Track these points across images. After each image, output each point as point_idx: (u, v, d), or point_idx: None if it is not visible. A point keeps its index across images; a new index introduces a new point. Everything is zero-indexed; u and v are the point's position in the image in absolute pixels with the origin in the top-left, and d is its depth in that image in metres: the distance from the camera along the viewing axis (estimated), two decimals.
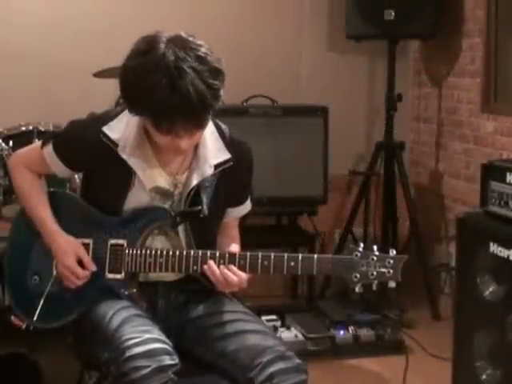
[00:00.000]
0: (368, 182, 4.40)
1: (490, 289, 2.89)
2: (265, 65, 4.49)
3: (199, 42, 2.02)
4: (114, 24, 4.24)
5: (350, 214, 4.44)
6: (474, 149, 4.17)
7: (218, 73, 2.00)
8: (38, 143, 2.34)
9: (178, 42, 1.99)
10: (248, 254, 2.13)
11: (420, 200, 4.66)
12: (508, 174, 2.82)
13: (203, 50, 2.00)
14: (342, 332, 3.72)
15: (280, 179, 4.08)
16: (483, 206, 2.95)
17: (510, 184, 2.82)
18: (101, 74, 3.69)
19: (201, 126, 2.05)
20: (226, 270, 2.10)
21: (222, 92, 2.01)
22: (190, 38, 2.02)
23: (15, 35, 4.13)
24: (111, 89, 3.63)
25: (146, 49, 1.99)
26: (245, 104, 4.21)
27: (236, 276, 2.10)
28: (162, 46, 1.98)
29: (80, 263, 2.22)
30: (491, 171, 2.93)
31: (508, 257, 2.74)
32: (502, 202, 2.85)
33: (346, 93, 4.67)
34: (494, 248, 2.81)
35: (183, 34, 2.03)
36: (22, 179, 2.34)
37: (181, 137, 2.03)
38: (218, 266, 2.11)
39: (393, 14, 4.17)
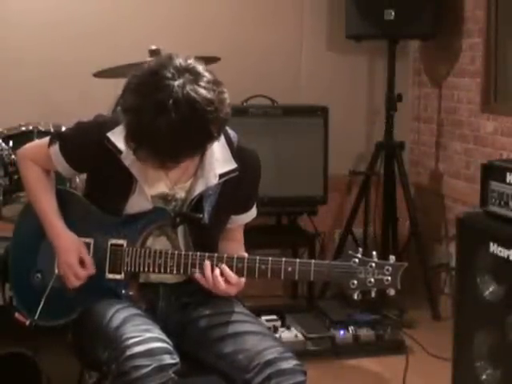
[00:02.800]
0: (368, 182, 4.40)
1: (490, 289, 2.89)
2: (265, 65, 4.49)
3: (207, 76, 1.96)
4: (113, 24, 4.24)
5: (350, 214, 4.44)
6: (473, 149, 4.17)
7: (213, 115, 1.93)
8: (45, 140, 2.34)
9: (188, 74, 1.93)
10: (246, 257, 2.13)
11: (420, 200, 4.66)
12: (508, 173, 2.82)
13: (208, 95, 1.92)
14: (342, 332, 3.72)
15: (280, 179, 4.08)
16: (483, 206, 2.95)
17: (510, 184, 2.82)
18: (101, 74, 3.68)
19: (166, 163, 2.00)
20: (219, 278, 2.10)
21: (215, 137, 1.98)
22: (207, 75, 1.95)
23: (15, 36, 4.13)
24: (111, 89, 3.63)
25: (152, 70, 1.94)
26: (245, 104, 4.21)
27: (228, 283, 2.10)
28: (169, 74, 1.92)
29: (81, 263, 2.22)
30: (491, 171, 2.92)
31: (508, 257, 2.74)
32: (502, 202, 2.85)
33: (346, 93, 4.67)
34: (494, 248, 2.81)
35: (196, 66, 1.96)
36: (29, 172, 2.35)
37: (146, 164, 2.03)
38: (214, 269, 2.11)
39: (393, 13, 4.17)
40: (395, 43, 4.35)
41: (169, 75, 1.92)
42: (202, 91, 1.93)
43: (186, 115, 1.90)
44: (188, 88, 1.91)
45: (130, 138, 1.97)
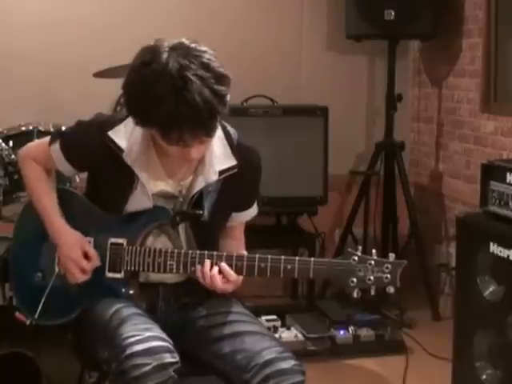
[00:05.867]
0: (368, 182, 4.40)
1: (490, 289, 2.89)
2: (265, 65, 4.49)
3: (202, 48, 2.00)
4: (113, 24, 4.24)
5: (350, 214, 4.44)
6: (473, 149, 4.17)
7: (223, 78, 1.98)
8: (46, 139, 2.34)
9: (180, 49, 1.97)
10: (245, 255, 2.13)
11: (420, 200, 4.67)
12: (508, 173, 2.82)
13: (207, 56, 1.98)
14: (341, 332, 3.72)
15: (280, 179, 4.08)
16: (483, 205, 2.95)
17: (510, 184, 2.82)
18: (101, 74, 3.69)
19: (209, 133, 2.03)
20: (216, 277, 2.11)
21: (228, 97, 2.00)
22: (193, 45, 2.00)
23: (15, 36, 4.12)
24: (111, 89, 3.63)
25: (148, 60, 1.97)
26: (245, 104, 4.21)
27: (226, 280, 2.11)
28: (165, 55, 1.96)
29: (85, 257, 2.22)
30: (491, 171, 2.93)
31: (508, 257, 2.74)
32: (502, 202, 2.85)
33: (346, 93, 4.67)
34: (494, 248, 2.81)
35: (185, 41, 2.01)
36: (30, 171, 2.35)
37: (190, 146, 2.02)
38: (213, 266, 2.11)
39: (393, 13, 4.17)
40: (395, 43, 4.35)
41: (164, 56, 1.95)
42: (200, 52, 1.98)
43: (199, 74, 1.93)
44: (186, 57, 1.95)
45: (169, 130, 1.97)
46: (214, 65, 1.98)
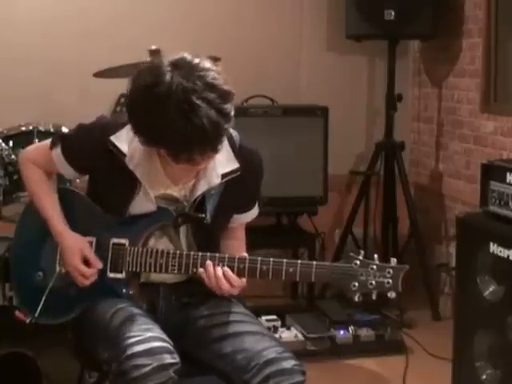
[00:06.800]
0: (368, 182, 4.40)
1: (490, 289, 2.89)
2: (265, 65, 4.49)
3: (206, 66, 1.98)
4: (114, 24, 4.23)
5: (350, 214, 4.44)
6: (473, 149, 4.17)
7: (227, 96, 1.97)
8: (47, 142, 2.34)
9: (183, 69, 1.95)
10: (247, 257, 2.13)
11: (420, 200, 4.66)
12: (508, 173, 2.82)
13: (211, 74, 1.96)
14: (341, 332, 3.72)
15: (280, 179, 4.07)
16: (483, 205, 2.95)
17: (510, 184, 2.82)
18: (101, 74, 3.69)
19: (217, 149, 2.02)
20: (221, 279, 2.11)
21: (232, 112, 1.99)
22: (195, 61, 1.97)
23: (15, 36, 4.12)
24: (111, 89, 3.65)
25: (151, 83, 1.94)
26: (245, 104, 4.21)
27: (231, 285, 2.11)
28: (168, 76, 1.93)
29: (86, 262, 2.22)
30: (491, 171, 2.93)
31: (508, 257, 2.75)
32: (502, 202, 2.85)
33: (346, 93, 4.67)
34: (494, 248, 2.82)
35: (187, 57, 1.98)
36: (30, 174, 2.35)
37: (198, 164, 2.03)
38: (216, 269, 2.11)
39: (393, 13, 4.17)
40: (395, 43, 4.35)
41: (167, 77, 1.93)
42: (203, 70, 1.96)
43: (204, 96, 1.92)
44: (190, 79, 1.93)
45: (178, 152, 1.97)
46: (219, 83, 1.96)
